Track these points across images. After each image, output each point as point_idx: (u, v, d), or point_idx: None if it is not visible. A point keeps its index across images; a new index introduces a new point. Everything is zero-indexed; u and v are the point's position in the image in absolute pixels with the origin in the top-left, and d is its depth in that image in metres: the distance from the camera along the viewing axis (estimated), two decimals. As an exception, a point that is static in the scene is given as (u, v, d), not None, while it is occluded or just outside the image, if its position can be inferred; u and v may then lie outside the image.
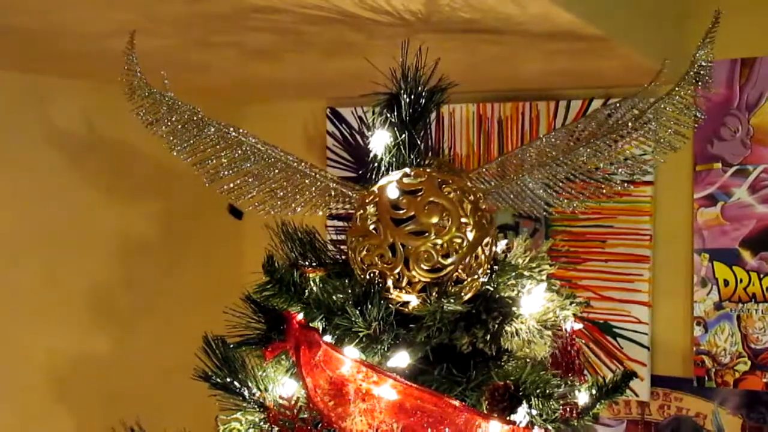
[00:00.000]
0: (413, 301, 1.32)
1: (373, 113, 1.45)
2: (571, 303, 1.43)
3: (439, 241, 1.29)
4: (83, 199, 2.30)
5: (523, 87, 2.37)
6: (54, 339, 2.22)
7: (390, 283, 1.30)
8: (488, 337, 1.32)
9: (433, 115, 2.41)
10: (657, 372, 2.29)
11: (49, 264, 2.21)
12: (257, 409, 1.37)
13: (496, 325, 1.33)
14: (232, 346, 1.39)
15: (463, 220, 1.31)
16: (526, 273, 1.44)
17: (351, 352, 1.29)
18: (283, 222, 1.47)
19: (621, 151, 1.37)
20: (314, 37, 1.60)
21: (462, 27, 1.51)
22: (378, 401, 1.25)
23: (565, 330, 1.43)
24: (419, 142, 1.44)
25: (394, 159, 1.43)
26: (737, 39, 2.14)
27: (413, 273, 1.29)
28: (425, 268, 1.29)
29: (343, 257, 1.47)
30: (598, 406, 1.48)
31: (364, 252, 1.32)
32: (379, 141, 1.44)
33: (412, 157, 1.43)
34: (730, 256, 2.18)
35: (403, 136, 1.42)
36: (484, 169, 1.56)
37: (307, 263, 1.45)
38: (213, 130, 1.37)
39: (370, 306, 1.28)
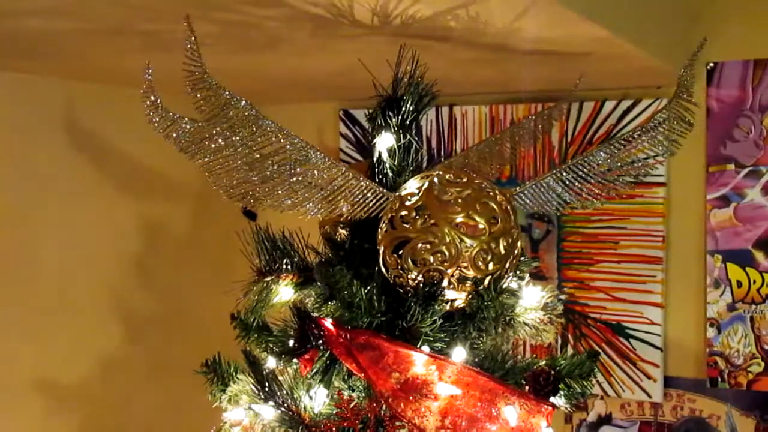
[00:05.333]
0: (460, 298, 1.35)
1: (371, 118, 1.48)
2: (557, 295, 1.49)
3: (491, 240, 1.33)
4: (92, 200, 2.32)
5: (536, 88, 2.38)
6: (62, 341, 2.25)
7: (446, 281, 1.33)
8: (499, 329, 1.36)
9: (446, 118, 2.46)
10: (670, 373, 2.29)
11: (61, 266, 2.24)
12: (295, 423, 1.36)
13: (507, 317, 1.37)
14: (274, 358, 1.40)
15: (509, 218, 1.36)
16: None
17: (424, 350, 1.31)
18: (257, 226, 1.48)
19: (629, 155, 1.44)
20: (252, 30, 1.55)
21: (441, 34, 1.52)
22: (456, 396, 1.27)
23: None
24: (420, 145, 1.48)
25: (396, 162, 1.45)
26: (750, 40, 2.15)
27: (469, 271, 1.33)
28: (481, 266, 1.32)
29: (317, 261, 1.48)
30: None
31: (418, 252, 1.32)
32: (382, 144, 1.46)
33: (411, 159, 1.47)
34: (743, 257, 2.18)
35: (407, 138, 1.45)
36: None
37: (282, 268, 1.47)
38: (266, 125, 1.32)
39: (437, 306, 1.31)
